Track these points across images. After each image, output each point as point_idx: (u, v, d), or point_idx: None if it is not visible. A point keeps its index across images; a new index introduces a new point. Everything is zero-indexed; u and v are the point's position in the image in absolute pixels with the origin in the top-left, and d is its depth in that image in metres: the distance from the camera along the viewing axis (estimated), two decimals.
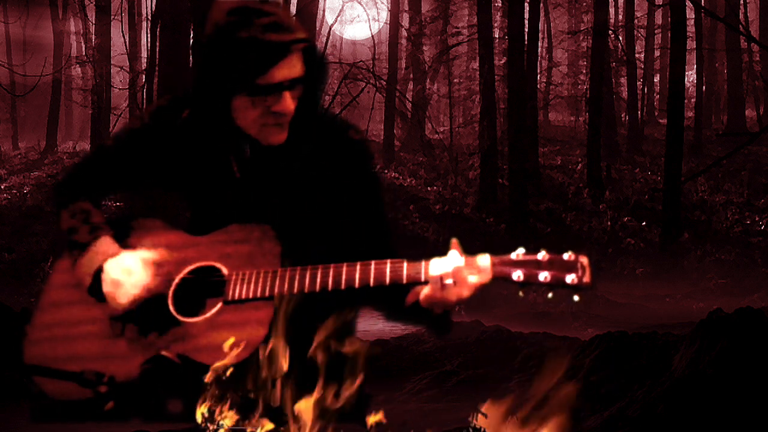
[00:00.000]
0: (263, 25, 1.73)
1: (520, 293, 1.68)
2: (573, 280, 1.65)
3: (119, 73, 23.20)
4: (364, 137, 1.97)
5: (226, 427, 1.57)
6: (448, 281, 1.69)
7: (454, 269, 1.69)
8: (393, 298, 1.82)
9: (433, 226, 15.84)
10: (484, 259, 1.69)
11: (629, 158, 20.57)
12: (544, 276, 1.66)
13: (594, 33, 18.19)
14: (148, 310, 1.81)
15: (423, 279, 1.71)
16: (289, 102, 1.78)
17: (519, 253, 1.69)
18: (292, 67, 1.76)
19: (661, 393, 3.78)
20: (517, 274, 1.67)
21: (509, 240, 14.45)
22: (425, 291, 1.73)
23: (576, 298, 1.66)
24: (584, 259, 1.67)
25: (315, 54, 1.82)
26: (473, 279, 1.69)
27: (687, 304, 11.52)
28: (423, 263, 1.72)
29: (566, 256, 1.67)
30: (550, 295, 1.68)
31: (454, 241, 1.73)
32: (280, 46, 1.74)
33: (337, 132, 1.92)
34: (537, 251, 1.68)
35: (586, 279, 1.65)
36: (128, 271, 1.81)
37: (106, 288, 1.82)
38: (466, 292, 1.71)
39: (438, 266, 1.71)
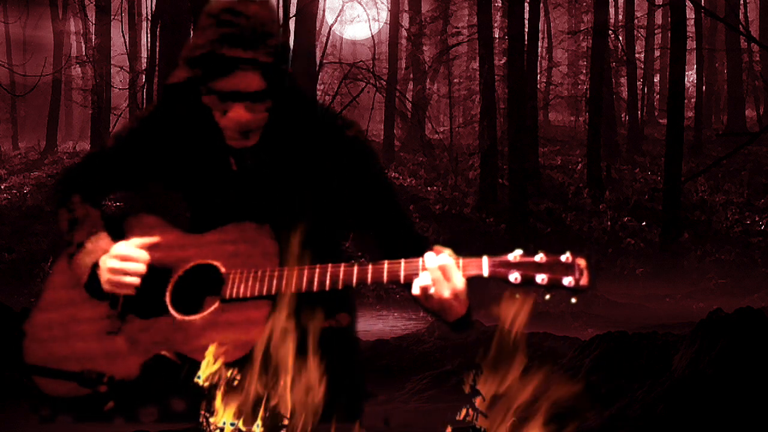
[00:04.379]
0: (221, 35, 1.75)
1: (517, 295, 1.68)
2: (570, 282, 1.65)
3: (119, 73, 23.20)
4: (363, 133, 1.98)
5: (227, 428, 1.57)
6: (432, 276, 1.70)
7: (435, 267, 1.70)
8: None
9: (433, 226, 15.84)
10: (446, 258, 1.70)
11: (629, 158, 20.57)
12: (541, 278, 1.66)
13: (594, 33, 18.18)
14: (146, 308, 1.81)
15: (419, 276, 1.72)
16: (241, 113, 1.79)
17: (516, 255, 1.69)
18: (244, 82, 1.76)
19: (661, 393, 3.78)
20: (515, 276, 1.67)
21: (509, 240, 14.45)
22: (415, 292, 1.73)
23: (573, 300, 1.66)
24: (582, 261, 1.67)
25: (278, 72, 1.80)
26: (447, 274, 1.70)
27: (687, 304, 11.51)
28: (420, 260, 1.72)
29: (564, 258, 1.67)
30: (547, 296, 1.68)
31: (436, 247, 1.74)
32: (228, 61, 1.74)
33: (336, 128, 1.93)
34: (535, 253, 1.68)
35: (584, 281, 1.65)
36: (124, 257, 1.83)
37: (105, 277, 1.82)
38: (454, 286, 1.71)
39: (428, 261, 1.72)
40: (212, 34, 1.76)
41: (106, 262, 1.83)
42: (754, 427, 3.40)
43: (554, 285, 1.66)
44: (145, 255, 1.83)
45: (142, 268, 1.82)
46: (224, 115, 1.80)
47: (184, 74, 1.79)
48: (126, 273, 1.81)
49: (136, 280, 1.81)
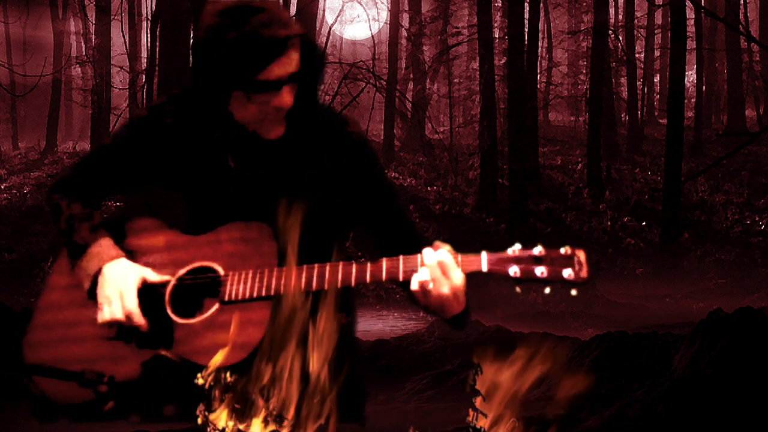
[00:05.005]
0: (260, 22, 1.74)
1: (518, 289, 1.68)
2: (570, 275, 1.64)
3: (119, 73, 23.18)
4: (362, 131, 1.98)
5: (228, 428, 1.57)
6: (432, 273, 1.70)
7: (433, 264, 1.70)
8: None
9: (433, 226, 15.84)
10: (444, 254, 1.70)
11: (629, 158, 20.57)
12: (540, 271, 1.65)
13: (594, 33, 18.18)
14: (146, 311, 1.81)
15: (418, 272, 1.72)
16: (287, 97, 1.78)
17: (515, 249, 1.68)
18: (289, 63, 1.76)
19: (661, 393, 3.78)
20: (514, 270, 1.66)
21: (509, 240, 14.38)
22: (413, 288, 1.72)
23: (573, 292, 1.65)
24: (581, 254, 1.66)
25: (312, 48, 1.82)
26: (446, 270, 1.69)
27: (687, 304, 11.51)
28: (419, 257, 1.72)
29: (563, 250, 1.66)
30: (547, 290, 1.67)
31: (435, 243, 1.73)
32: (277, 43, 1.74)
33: (336, 127, 1.92)
34: (533, 246, 1.68)
35: (583, 274, 1.65)
36: (120, 294, 1.79)
37: (100, 299, 1.81)
38: (453, 283, 1.70)
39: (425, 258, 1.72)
40: (244, 25, 1.73)
41: (106, 285, 1.80)
42: (754, 427, 3.40)
43: (554, 278, 1.65)
44: (142, 280, 1.81)
45: (131, 308, 1.79)
46: (268, 104, 1.78)
47: (214, 75, 1.76)
48: (118, 309, 1.80)
49: (125, 314, 1.80)
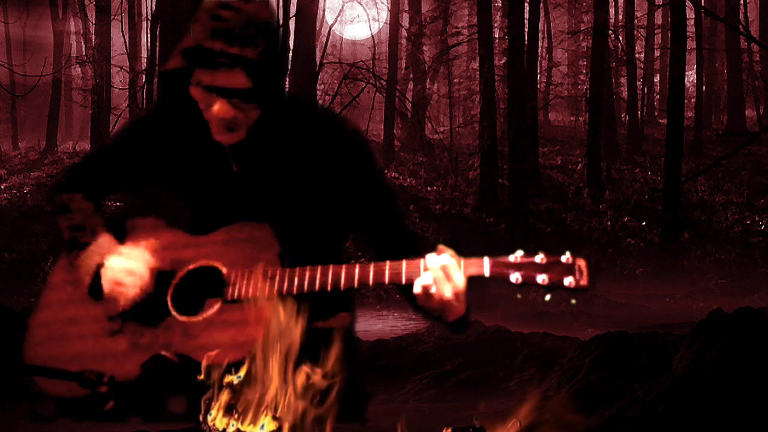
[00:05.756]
0: (208, 29, 1.76)
1: (519, 295, 1.69)
2: (571, 282, 1.66)
3: (119, 73, 23.18)
4: (362, 133, 1.98)
5: (229, 429, 1.57)
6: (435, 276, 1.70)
7: (439, 266, 1.70)
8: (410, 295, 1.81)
9: (433, 226, 15.84)
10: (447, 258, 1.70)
11: (629, 158, 20.57)
12: (542, 279, 1.66)
13: (594, 33, 18.19)
14: (147, 309, 1.81)
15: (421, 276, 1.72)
16: (224, 109, 1.78)
17: (517, 256, 1.69)
18: (228, 78, 1.75)
19: (661, 393, 3.78)
20: (515, 277, 1.67)
21: (509, 240, 14.45)
22: (416, 291, 1.72)
23: (573, 301, 1.67)
24: (582, 262, 1.68)
25: (266, 71, 1.79)
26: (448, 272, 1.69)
27: (687, 304, 11.51)
28: (422, 261, 1.72)
29: (564, 258, 1.67)
30: (548, 297, 1.69)
31: (439, 247, 1.74)
32: (213, 55, 1.74)
33: (335, 128, 1.93)
34: (535, 253, 1.69)
35: (584, 282, 1.66)
36: (128, 271, 1.82)
37: (106, 286, 1.82)
38: (456, 286, 1.71)
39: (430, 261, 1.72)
40: (204, 28, 1.76)
41: (110, 268, 1.82)
42: (754, 427, 3.40)
43: (555, 285, 1.66)
44: (148, 263, 1.83)
45: (144, 279, 1.81)
46: (208, 108, 1.80)
47: (176, 64, 1.80)
48: (128, 285, 1.81)
49: (137, 291, 1.81)
